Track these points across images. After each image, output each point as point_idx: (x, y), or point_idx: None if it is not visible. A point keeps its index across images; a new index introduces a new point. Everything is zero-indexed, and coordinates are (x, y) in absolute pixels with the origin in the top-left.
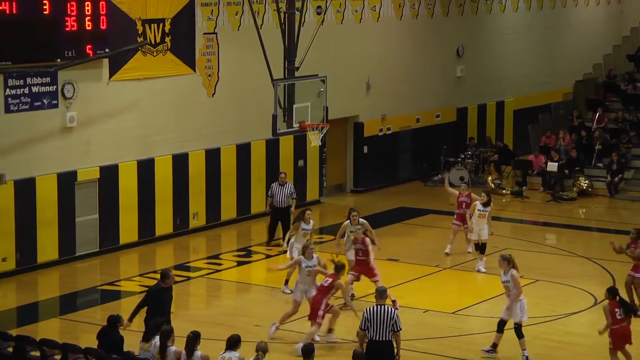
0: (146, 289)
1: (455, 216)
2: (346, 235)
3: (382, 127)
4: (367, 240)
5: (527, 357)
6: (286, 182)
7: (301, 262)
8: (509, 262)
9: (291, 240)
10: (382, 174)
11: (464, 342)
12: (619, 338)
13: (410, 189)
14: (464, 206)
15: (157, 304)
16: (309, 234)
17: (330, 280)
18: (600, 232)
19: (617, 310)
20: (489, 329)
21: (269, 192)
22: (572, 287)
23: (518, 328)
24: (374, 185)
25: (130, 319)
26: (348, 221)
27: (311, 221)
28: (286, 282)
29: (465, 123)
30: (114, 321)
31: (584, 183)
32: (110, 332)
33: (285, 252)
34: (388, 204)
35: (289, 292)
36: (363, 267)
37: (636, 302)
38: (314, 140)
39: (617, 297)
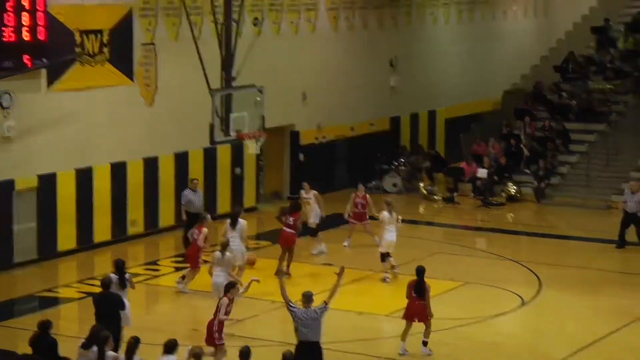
0: (85, 295)
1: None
2: None
3: (318, 136)
4: None
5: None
6: (198, 189)
7: None
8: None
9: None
10: (318, 182)
11: (398, 343)
12: None
13: (345, 196)
14: (359, 207)
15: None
16: None
17: None
18: (527, 236)
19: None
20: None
21: (184, 200)
22: (500, 289)
23: None
24: None
25: None
26: None
27: None
28: None
29: (398, 132)
30: (46, 326)
31: (512, 189)
32: (43, 337)
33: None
34: (324, 210)
35: None
36: None
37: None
38: (251, 147)
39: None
